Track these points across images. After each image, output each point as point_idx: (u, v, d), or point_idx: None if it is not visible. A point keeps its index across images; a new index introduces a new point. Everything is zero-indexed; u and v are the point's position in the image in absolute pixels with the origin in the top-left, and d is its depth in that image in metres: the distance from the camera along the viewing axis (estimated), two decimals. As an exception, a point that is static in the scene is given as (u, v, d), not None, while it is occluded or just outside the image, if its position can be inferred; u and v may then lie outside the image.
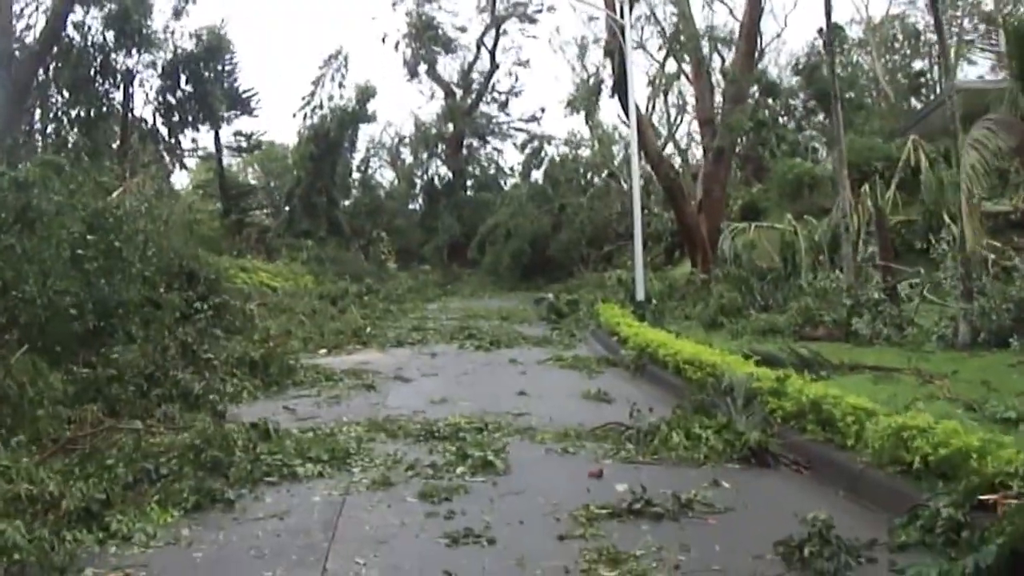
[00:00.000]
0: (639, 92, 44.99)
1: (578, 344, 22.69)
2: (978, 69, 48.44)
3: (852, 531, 6.78)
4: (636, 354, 17.44)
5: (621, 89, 29.56)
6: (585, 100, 36.84)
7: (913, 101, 50.21)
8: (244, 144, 58.01)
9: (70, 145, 34.71)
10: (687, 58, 37.24)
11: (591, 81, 40.78)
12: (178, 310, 16.80)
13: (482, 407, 13.23)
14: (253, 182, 65.69)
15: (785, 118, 46.49)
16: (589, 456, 10.06)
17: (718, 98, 35.54)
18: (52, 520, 7.09)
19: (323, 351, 21.40)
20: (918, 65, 52.76)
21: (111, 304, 14.26)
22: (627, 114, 30.40)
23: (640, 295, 23.65)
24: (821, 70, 41.39)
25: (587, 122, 58.05)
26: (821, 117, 45.02)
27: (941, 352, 15.48)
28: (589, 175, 52.33)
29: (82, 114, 36.24)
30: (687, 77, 49.50)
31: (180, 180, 62.23)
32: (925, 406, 9.96)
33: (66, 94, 35.92)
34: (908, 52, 53.72)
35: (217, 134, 52.55)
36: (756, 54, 33.47)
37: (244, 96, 53.61)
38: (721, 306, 22.98)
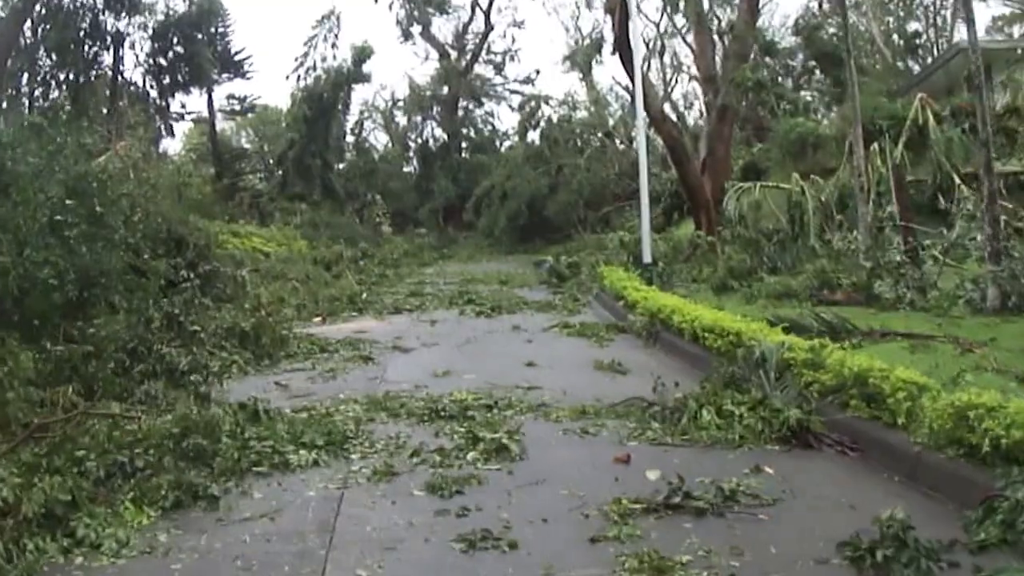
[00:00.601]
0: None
1: (583, 309, 21.74)
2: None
3: (916, 525, 5.82)
4: (647, 320, 16.48)
5: (623, 45, 28.40)
6: (586, 57, 35.55)
7: (910, 63, 49.46)
8: (237, 107, 57.04)
9: (57, 109, 33.65)
10: (685, 17, 36.13)
11: (591, 38, 39.45)
12: (164, 278, 15.88)
13: (489, 380, 12.30)
14: (247, 146, 64.63)
15: (784, 78, 45.42)
16: (611, 437, 9.11)
17: (718, 61, 34.57)
18: (11, 526, 6.12)
19: (317, 319, 20.47)
20: (913, 27, 52.16)
21: (93, 273, 13.25)
22: (628, 72, 29.39)
23: (647, 257, 22.65)
24: (820, 30, 40.33)
25: (583, 82, 57.25)
26: (821, 77, 44.02)
27: (970, 317, 14.55)
28: (586, 136, 51.09)
29: (70, 77, 35.03)
30: (683, 38, 48.73)
31: (173, 145, 61.31)
32: (974, 379, 9.05)
33: (54, 57, 34.67)
34: (903, 14, 52.76)
35: (210, 97, 51.78)
36: (758, 9, 32.31)
37: (236, 59, 52.67)
38: (730, 269, 22.00)
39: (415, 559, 5.99)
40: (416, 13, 60.67)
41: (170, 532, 6.52)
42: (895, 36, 51.01)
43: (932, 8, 52.48)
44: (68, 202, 13.07)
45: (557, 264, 29.35)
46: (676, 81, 56.53)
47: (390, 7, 59.70)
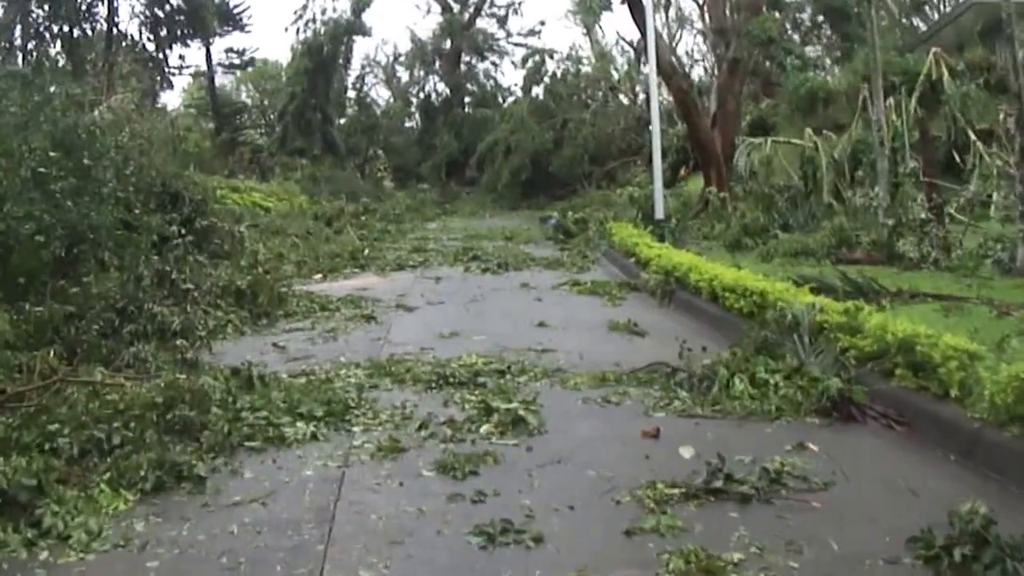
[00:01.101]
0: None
1: (592, 266, 20.91)
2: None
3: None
4: (662, 279, 15.66)
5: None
6: (595, 7, 34.38)
7: (915, 20, 47.94)
8: (236, 61, 56.07)
9: (48, 62, 32.72)
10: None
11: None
12: (157, 234, 15.13)
13: (499, 342, 11.53)
14: (247, 101, 63.70)
15: (791, 32, 44.40)
16: (636, 407, 8.33)
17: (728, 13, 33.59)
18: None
19: (318, 276, 19.68)
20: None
21: (81, 229, 12.49)
22: (638, 23, 28.37)
23: (659, 214, 21.75)
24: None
25: (587, 37, 56.23)
26: (828, 33, 43.15)
27: (1000, 278, 13.88)
28: (591, 91, 50.00)
29: (63, 29, 33.93)
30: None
31: (172, 99, 60.50)
32: (1020, 345, 8.31)
33: (46, 8, 33.56)
34: None
35: (208, 50, 51.04)
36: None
37: (235, 11, 51.65)
38: (744, 226, 21.21)
39: (427, 557, 5.17)
40: None
41: (149, 520, 5.70)
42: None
43: None
44: (52, 154, 12.29)
45: (564, 220, 28.47)
46: (680, 37, 55.41)
47: None
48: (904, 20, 47.70)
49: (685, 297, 14.64)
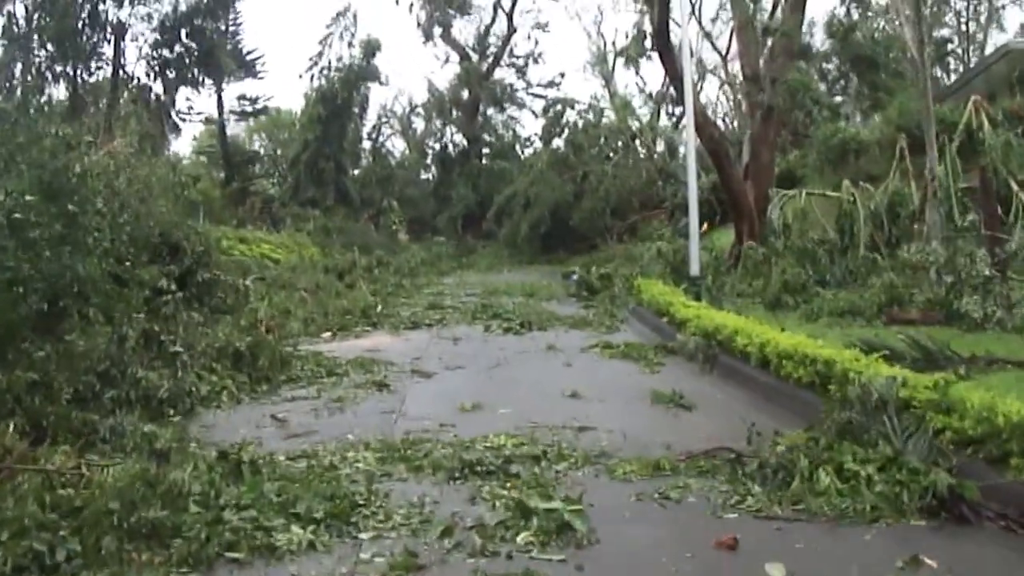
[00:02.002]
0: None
1: (621, 326, 19.50)
2: (1006, 36, 46.12)
3: None
4: (703, 342, 14.32)
5: (663, 39, 26.24)
6: (636, 51, 33.10)
7: (938, 71, 47.08)
8: (249, 108, 55.25)
9: (38, 101, 31.56)
10: (732, 11, 33.82)
11: (628, 34, 37.06)
12: (154, 288, 13.97)
13: (528, 416, 10.20)
14: (259, 150, 62.86)
15: (818, 82, 43.38)
16: (700, 504, 6.98)
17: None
18: None
19: (327, 334, 18.41)
20: (940, 34, 49.79)
21: (62, 282, 11.26)
22: (668, 68, 27.24)
23: (695, 269, 20.35)
24: (856, 32, 38.32)
25: (606, 87, 55.42)
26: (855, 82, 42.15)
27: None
28: (612, 142, 48.67)
29: (67, 70, 32.87)
30: (710, 41, 46.77)
31: (183, 145, 59.73)
32: None
33: (49, 48, 32.51)
34: (930, 21, 50.90)
35: (220, 97, 50.39)
36: (804, 5, 30.05)
37: (248, 58, 50.92)
38: (784, 282, 19.83)
39: None
40: (437, 14, 59.10)
41: None
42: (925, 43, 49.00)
43: (963, 15, 50.95)
44: (29, 198, 11.05)
45: (587, 276, 27.11)
46: (701, 88, 54.42)
47: (410, 8, 58.29)
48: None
49: (730, 363, 13.29)
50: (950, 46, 49.84)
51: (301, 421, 10.26)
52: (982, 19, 50.62)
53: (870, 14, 40.50)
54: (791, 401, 10.54)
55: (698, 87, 51.95)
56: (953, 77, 46.50)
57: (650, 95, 54.96)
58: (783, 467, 7.33)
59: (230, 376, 12.24)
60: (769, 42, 29.73)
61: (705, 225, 40.10)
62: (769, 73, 28.40)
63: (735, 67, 47.61)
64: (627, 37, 40.36)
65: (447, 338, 17.84)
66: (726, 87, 50.04)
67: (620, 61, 44.88)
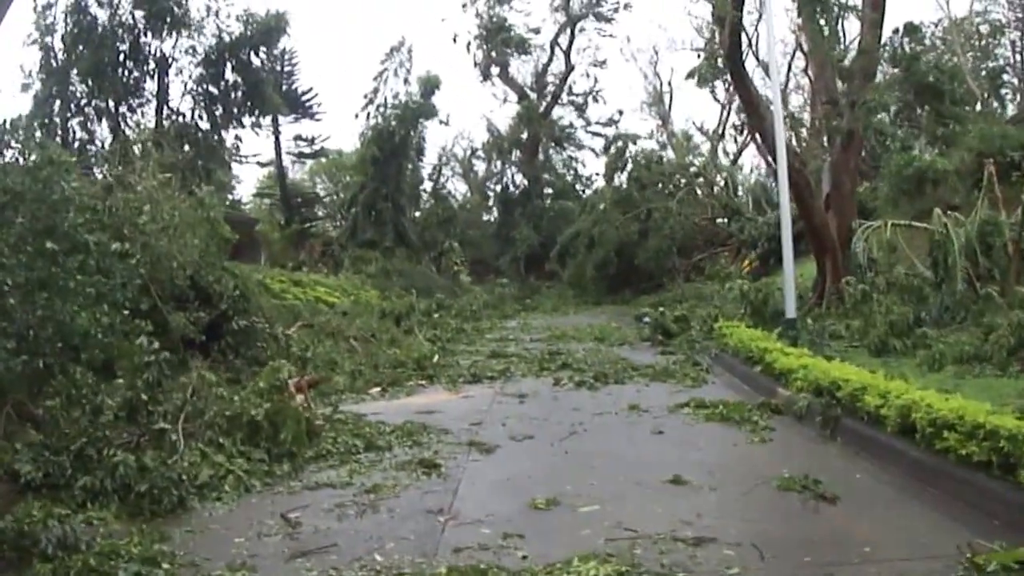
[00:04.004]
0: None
1: (708, 377, 16.56)
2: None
3: None
4: (821, 401, 11.41)
5: (735, 61, 23.42)
6: (712, 71, 30.39)
7: (993, 101, 45.94)
8: (306, 149, 53.34)
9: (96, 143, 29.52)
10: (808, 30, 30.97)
11: (700, 54, 34.25)
12: (174, 339, 11.77)
13: (621, 516, 7.46)
14: (319, 191, 60.94)
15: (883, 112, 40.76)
16: None
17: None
18: None
19: (376, 389, 15.72)
20: (994, 64, 48.49)
21: (43, 335, 8.81)
22: (740, 90, 24.62)
23: (790, 311, 17.16)
24: (920, 61, 35.50)
25: (663, 126, 53.83)
26: (919, 111, 39.52)
27: None
28: (676, 178, 45.84)
29: (108, 105, 30.52)
30: (766, 72, 44.41)
31: (246, 188, 58.84)
32: None
33: (89, 83, 30.14)
34: (980, 53, 49.14)
35: (277, 138, 48.79)
36: (883, 23, 27.13)
37: (304, 98, 49.10)
38: (891, 323, 16.79)
39: None
40: (494, 54, 57.71)
41: None
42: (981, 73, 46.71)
43: (1018, 44, 48.47)
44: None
45: (661, 318, 24.10)
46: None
47: (468, 48, 56.71)
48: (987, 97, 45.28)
49: (856, 428, 10.42)
50: (1005, 76, 48.14)
51: (318, 525, 7.48)
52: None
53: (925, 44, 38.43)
54: (961, 488, 7.84)
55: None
56: (1010, 107, 45.83)
57: (705, 132, 52.82)
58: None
59: (243, 454, 9.54)
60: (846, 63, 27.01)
61: (747, 263, 37.95)
62: (849, 96, 25.53)
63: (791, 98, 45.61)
64: (699, 57, 37.78)
65: (511, 395, 14.99)
66: (790, 118, 47.15)
67: (679, 96, 42.69)
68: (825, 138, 26.45)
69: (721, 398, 13.52)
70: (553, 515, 7.64)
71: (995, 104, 45.50)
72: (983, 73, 46.70)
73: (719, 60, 25.81)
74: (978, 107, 41.78)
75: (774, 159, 24.68)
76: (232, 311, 15.48)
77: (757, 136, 30.81)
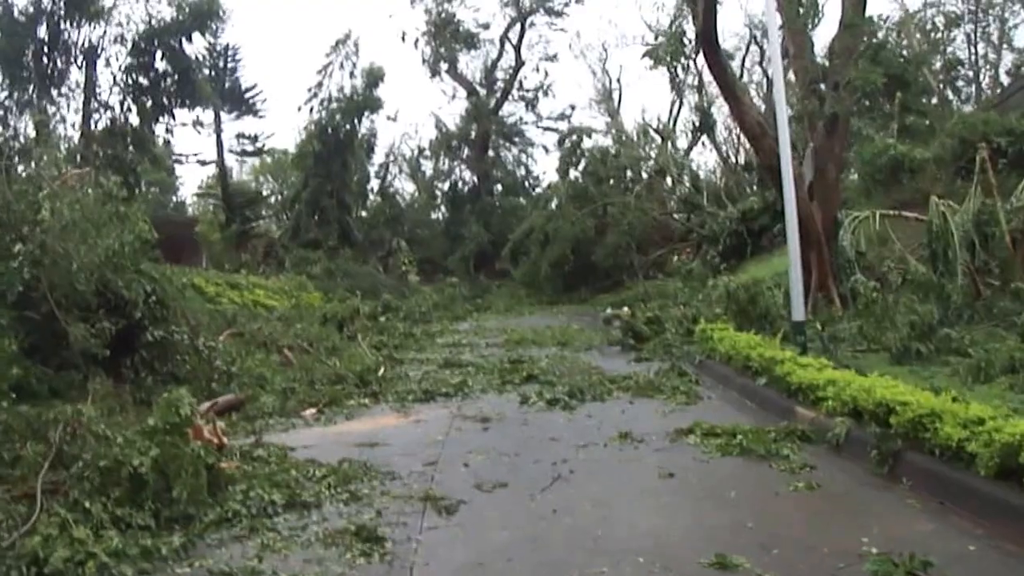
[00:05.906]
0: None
1: (700, 391, 13.81)
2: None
3: None
4: (869, 429, 8.82)
5: (709, 42, 20.92)
6: (673, 50, 27.75)
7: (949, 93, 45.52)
8: (249, 148, 50.63)
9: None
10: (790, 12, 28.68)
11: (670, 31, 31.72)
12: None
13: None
14: (265, 191, 58.26)
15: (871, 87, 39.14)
16: None
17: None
18: None
19: (310, 412, 12.90)
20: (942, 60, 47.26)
21: None
22: (716, 73, 22.39)
23: (798, 314, 14.32)
24: (887, 50, 33.55)
25: (611, 125, 53.12)
26: (882, 101, 38.09)
27: None
28: (634, 172, 43.51)
29: (26, 96, 27.53)
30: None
31: (188, 188, 57.01)
32: None
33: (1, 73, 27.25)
34: (929, 45, 47.78)
35: (219, 136, 46.33)
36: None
37: (247, 95, 46.49)
38: (912, 324, 14.23)
39: None
40: (443, 50, 55.88)
41: None
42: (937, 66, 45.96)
43: (971, 38, 48.10)
44: None
45: (633, 320, 21.41)
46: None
47: (415, 44, 54.75)
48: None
49: (924, 464, 7.86)
50: (961, 69, 47.51)
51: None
52: (993, 38, 48.45)
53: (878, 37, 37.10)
54: None
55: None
56: (963, 99, 46.27)
57: (656, 130, 50.89)
58: None
59: (119, 521, 6.75)
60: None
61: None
62: (831, 76, 23.12)
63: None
64: (657, 38, 35.76)
65: (472, 418, 12.09)
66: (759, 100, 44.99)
67: (628, 95, 40.78)
68: (806, 121, 23.99)
69: (730, 421, 10.79)
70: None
71: (950, 95, 44.88)
72: (937, 65, 45.25)
73: (684, 38, 23.61)
74: (934, 100, 40.72)
75: (751, 143, 22.48)
76: (147, 320, 12.98)
77: (733, 124, 28.94)
